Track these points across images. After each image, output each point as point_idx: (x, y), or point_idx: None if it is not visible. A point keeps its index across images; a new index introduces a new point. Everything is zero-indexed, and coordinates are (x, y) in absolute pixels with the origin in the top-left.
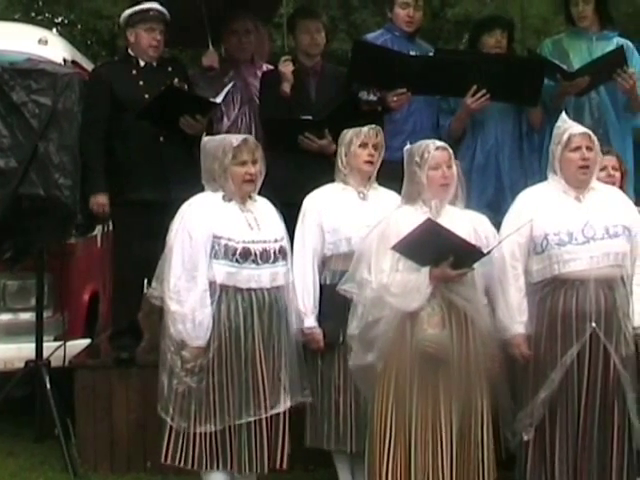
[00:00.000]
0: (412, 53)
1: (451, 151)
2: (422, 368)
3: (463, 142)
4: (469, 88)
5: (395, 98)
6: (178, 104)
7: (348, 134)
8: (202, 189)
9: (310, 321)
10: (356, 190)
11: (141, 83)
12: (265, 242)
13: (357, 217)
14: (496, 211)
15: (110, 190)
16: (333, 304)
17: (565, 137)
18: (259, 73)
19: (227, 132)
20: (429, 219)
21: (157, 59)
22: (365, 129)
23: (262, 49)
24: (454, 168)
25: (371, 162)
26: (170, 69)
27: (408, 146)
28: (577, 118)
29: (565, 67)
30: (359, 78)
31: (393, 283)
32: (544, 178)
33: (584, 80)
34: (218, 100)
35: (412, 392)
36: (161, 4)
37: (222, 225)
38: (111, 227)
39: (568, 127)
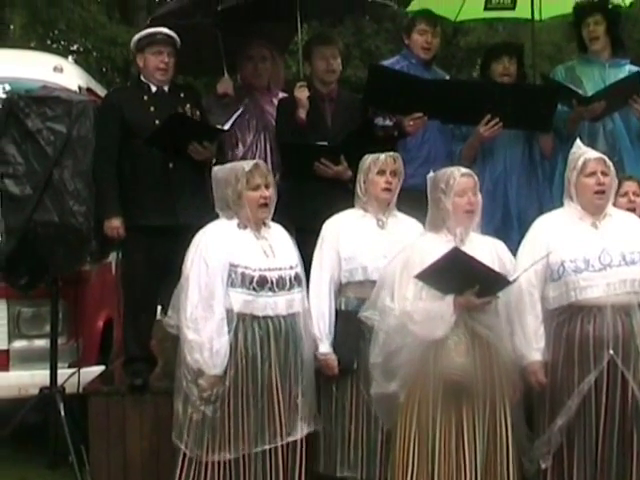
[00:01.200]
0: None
1: (476, 178)
2: (446, 397)
3: (472, 168)
4: (482, 116)
5: (411, 122)
6: (185, 131)
7: (367, 161)
8: (210, 215)
9: (325, 347)
10: (375, 217)
11: (152, 109)
12: (281, 269)
13: (374, 246)
14: (503, 238)
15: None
16: (347, 331)
17: (580, 162)
18: (275, 100)
19: (242, 158)
20: (456, 247)
21: (169, 85)
22: (383, 156)
23: (278, 76)
24: (479, 195)
25: (389, 189)
26: (182, 95)
27: (432, 173)
28: (591, 145)
29: (581, 92)
30: (374, 102)
31: (416, 311)
32: (556, 206)
33: (600, 105)
34: (226, 127)
35: (435, 421)
36: (178, 32)
37: (238, 253)
38: None
39: (583, 152)
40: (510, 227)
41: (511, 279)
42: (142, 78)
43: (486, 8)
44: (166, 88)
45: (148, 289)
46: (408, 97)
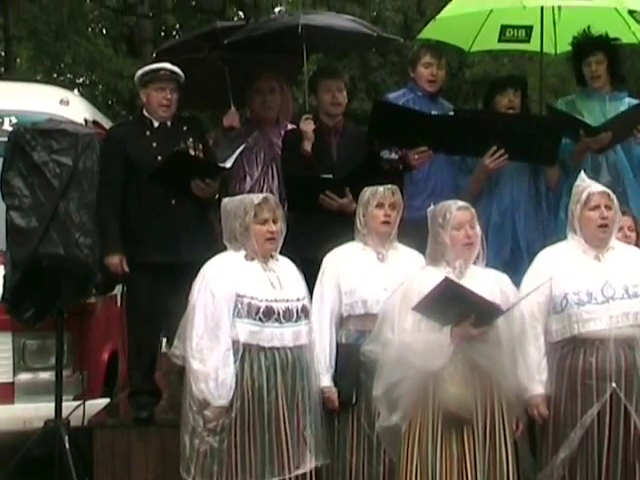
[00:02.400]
0: (434, 113)
1: (474, 211)
2: (445, 428)
3: (479, 201)
4: (488, 148)
5: (417, 156)
6: (187, 168)
7: (365, 194)
8: (213, 251)
9: (325, 380)
10: (375, 250)
11: (154, 144)
12: (288, 301)
13: (374, 279)
14: (513, 271)
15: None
16: (348, 364)
17: (584, 196)
18: (283, 133)
19: (250, 191)
20: (447, 278)
21: (172, 118)
22: (381, 189)
23: (286, 109)
24: (477, 228)
25: (388, 222)
26: (185, 128)
27: (431, 207)
28: (595, 177)
29: (589, 122)
30: (379, 137)
31: (415, 342)
32: (560, 238)
33: (607, 135)
34: (227, 165)
35: (436, 451)
36: (183, 66)
37: (245, 284)
38: None
39: (587, 186)
40: (520, 259)
41: (505, 309)
42: (145, 113)
43: (500, 40)
44: (169, 123)
45: (152, 323)
46: (413, 131)
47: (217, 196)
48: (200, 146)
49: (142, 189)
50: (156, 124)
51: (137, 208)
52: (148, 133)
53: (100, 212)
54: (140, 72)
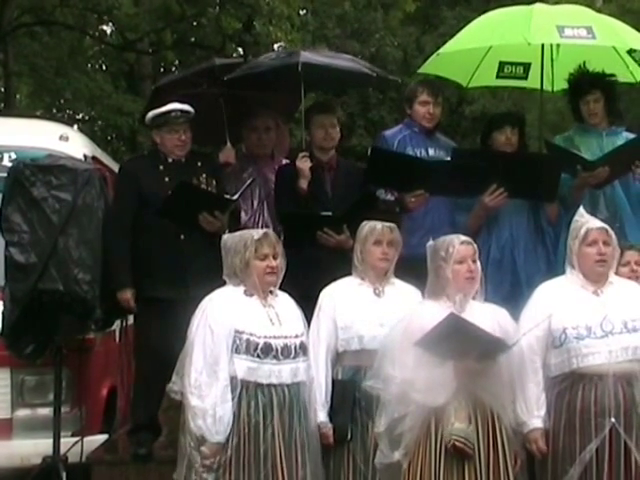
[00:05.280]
0: (430, 149)
1: (475, 246)
2: (447, 464)
3: (478, 237)
4: (487, 186)
5: (413, 199)
6: (195, 200)
7: (363, 231)
8: (220, 287)
9: (321, 416)
10: (372, 286)
11: (167, 179)
12: (286, 337)
13: (370, 315)
14: (513, 305)
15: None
16: (343, 400)
17: (582, 232)
18: (277, 168)
19: (245, 227)
20: (452, 313)
21: (186, 154)
22: (379, 226)
23: (282, 145)
24: (479, 263)
25: (386, 259)
26: (199, 164)
27: (431, 242)
28: (592, 212)
29: (586, 157)
30: (377, 182)
31: (418, 378)
32: (559, 273)
33: (605, 170)
34: (235, 197)
35: None
36: (181, 102)
37: (244, 320)
38: (130, 321)
39: (585, 222)
40: (519, 294)
41: (510, 344)
42: (159, 147)
43: (498, 76)
44: (183, 159)
45: (161, 359)
46: (409, 177)
47: (227, 231)
48: (213, 182)
49: (152, 223)
50: (170, 159)
51: (146, 243)
52: (162, 168)
53: (111, 245)
54: (151, 115)
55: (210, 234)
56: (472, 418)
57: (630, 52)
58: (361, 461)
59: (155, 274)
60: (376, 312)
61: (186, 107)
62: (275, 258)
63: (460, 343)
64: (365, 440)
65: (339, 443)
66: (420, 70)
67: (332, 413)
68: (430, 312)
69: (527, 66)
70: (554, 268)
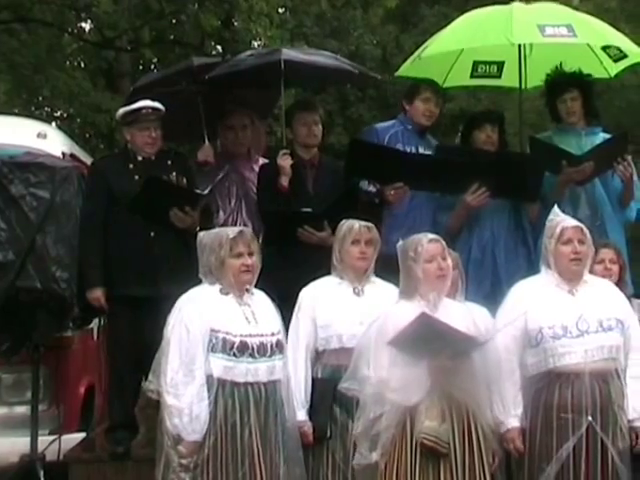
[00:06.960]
0: (420, 148)
1: (444, 243)
2: (423, 463)
3: (460, 236)
4: (468, 186)
5: (392, 192)
6: (165, 195)
7: (342, 230)
8: (192, 285)
9: (301, 415)
10: (351, 285)
11: (136, 177)
12: (262, 336)
13: (350, 314)
14: (494, 304)
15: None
16: (322, 398)
17: (557, 230)
18: (255, 167)
19: (222, 225)
20: (424, 313)
21: (156, 153)
22: (357, 225)
23: (259, 143)
24: (449, 260)
25: (364, 258)
26: (170, 162)
27: (400, 242)
28: (573, 210)
29: (572, 151)
30: (356, 174)
31: (392, 378)
32: (537, 272)
33: (589, 165)
34: (206, 192)
35: None
36: (160, 100)
37: (220, 319)
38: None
39: (560, 220)
40: (500, 293)
41: (482, 341)
42: (129, 146)
43: (472, 76)
44: (153, 157)
45: (133, 356)
46: (389, 169)
47: (198, 228)
48: (184, 180)
49: (123, 222)
50: (140, 158)
51: (116, 241)
52: (131, 166)
53: (82, 244)
54: (121, 112)
55: (181, 231)
56: (447, 416)
57: (605, 48)
58: (340, 459)
59: (126, 272)
60: (355, 311)
61: (157, 105)
62: (251, 256)
63: (432, 342)
64: (344, 438)
65: (318, 441)
66: (400, 73)
67: (312, 412)
68: (404, 312)
69: (501, 65)
70: (535, 267)
